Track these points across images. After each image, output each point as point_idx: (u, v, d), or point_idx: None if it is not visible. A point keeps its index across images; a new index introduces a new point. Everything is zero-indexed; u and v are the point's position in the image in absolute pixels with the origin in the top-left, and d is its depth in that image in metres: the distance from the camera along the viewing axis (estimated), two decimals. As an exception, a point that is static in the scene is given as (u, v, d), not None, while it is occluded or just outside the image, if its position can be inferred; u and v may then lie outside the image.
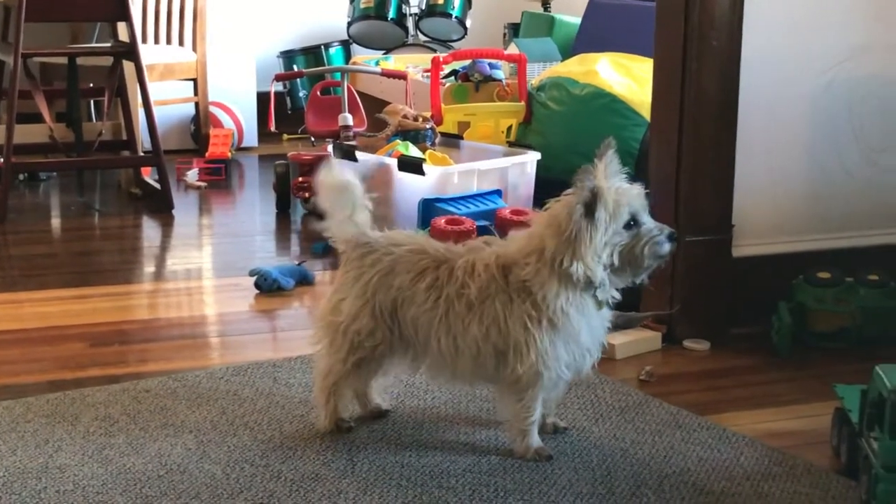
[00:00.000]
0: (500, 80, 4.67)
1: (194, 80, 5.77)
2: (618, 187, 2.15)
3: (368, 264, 2.29)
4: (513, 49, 5.08)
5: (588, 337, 2.21)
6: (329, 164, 2.36)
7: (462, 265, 2.22)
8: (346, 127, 4.43)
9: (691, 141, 3.00)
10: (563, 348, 2.18)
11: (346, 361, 2.30)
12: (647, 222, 2.17)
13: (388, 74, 4.81)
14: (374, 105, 4.95)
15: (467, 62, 4.76)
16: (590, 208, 2.11)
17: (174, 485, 2.16)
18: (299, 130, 5.73)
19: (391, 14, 6.40)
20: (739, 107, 3.01)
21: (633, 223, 2.15)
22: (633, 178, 2.23)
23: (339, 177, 2.32)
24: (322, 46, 6.45)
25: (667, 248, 2.17)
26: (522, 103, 4.51)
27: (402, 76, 4.71)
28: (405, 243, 2.31)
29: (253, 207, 5.07)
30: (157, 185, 4.76)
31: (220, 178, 5.37)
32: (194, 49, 5.75)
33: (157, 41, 5.78)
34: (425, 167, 3.73)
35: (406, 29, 6.48)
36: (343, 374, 2.32)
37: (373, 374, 2.40)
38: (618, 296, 2.23)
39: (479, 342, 2.19)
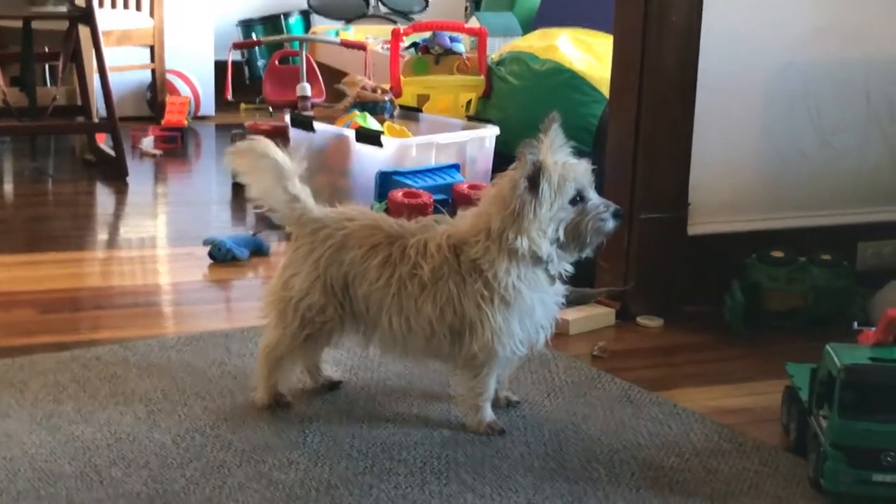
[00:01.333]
0: (461, 54, 4.65)
1: (151, 46, 5.72)
2: (564, 162, 2.14)
3: (320, 239, 2.27)
4: (474, 22, 5.07)
5: (542, 312, 2.21)
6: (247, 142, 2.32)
7: (414, 244, 2.21)
8: (305, 97, 4.40)
9: (649, 118, 3.01)
10: (518, 325, 2.18)
11: (297, 337, 2.28)
12: (593, 198, 2.16)
13: (347, 45, 4.78)
14: (333, 76, 4.92)
15: (428, 34, 4.73)
16: (533, 182, 2.10)
17: (123, 453, 2.14)
18: (257, 100, 5.68)
19: (352, -16, 6.36)
20: (698, 85, 3.02)
21: (578, 199, 2.15)
22: (589, 154, 2.22)
23: (259, 147, 2.28)
24: (281, 15, 6.41)
25: (611, 225, 2.17)
26: (482, 77, 4.49)
27: (361, 47, 4.68)
28: (357, 218, 2.29)
29: (209, 177, 5.03)
30: (112, 152, 4.71)
31: (176, 146, 5.32)
32: (152, 15, 5.69)
33: (113, 6, 5.71)
34: (383, 139, 3.71)
35: (367, 0, 6.44)
36: (291, 348, 2.30)
37: (320, 350, 2.39)
38: (570, 269, 2.23)
39: (434, 323, 2.18)
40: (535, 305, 2.19)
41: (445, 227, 2.24)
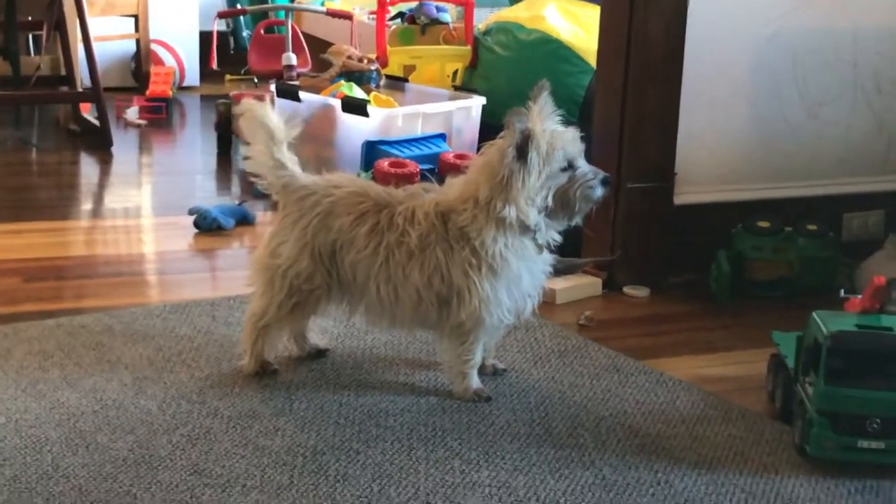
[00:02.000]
0: (447, 24, 4.64)
1: (136, 16, 5.68)
2: (552, 130, 2.14)
3: (308, 207, 2.26)
4: (460, -7, 5.05)
5: (529, 281, 2.21)
6: (248, 102, 2.33)
7: (402, 212, 2.20)
8: (290, 67, 4.38)
9: (636, 89, 3.00)
10: (505, 293, 2.18)
11: (284, 305, 2.28)
12: (582, 166, 2.16)
13: (333, 14, 4.75)
14: (319, 45, 4.90)
15: (414, 4, 4.72)
16: (522, 151, 2.10)
17: (109, 420, 2.13)
18: (242, 70, 5.66)
19: (338, -45, 6.32)
20: (685, 56, 3.01)
21: (567, 166, 2.14)
22: (576, 124, 2.22)
23: (256, 110, 2.28)
24: (267, -15, 6.36)
25: (599, 192, 2.16)
26: (468, 47, 4.48)
27: (347, 17, 4.66)
28: (345, 185, 2.28)
29: (194, 147, 5.01)
30: (96, 122, 4.68)
31: (161, 116, 5.30)
32: (136, -16, 5.65)
33: (97, -25, 5.67)
34: (369, 109, 3.70)
35: (353, -30, 6.41)
36: (278, 317, 2.30)
37: (307, 318, 2.39)
38: (558, 239, 2.23)
39: (421, 290, 2.18)
40: (522, 274, 2.19)
41: (434, 195, 2.24)
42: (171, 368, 2.38)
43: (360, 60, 4.11)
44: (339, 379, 2.36)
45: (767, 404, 2.32)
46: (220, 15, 4.75)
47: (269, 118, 2.26)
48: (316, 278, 2.26)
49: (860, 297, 2.15)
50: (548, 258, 2.25)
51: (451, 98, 4.02)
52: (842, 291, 2.27)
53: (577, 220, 2.21)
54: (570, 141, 2.15)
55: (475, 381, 2.28)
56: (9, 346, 2.47)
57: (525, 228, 2.15)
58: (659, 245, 3.05)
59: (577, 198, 2.14)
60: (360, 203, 2.24)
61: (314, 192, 2.27)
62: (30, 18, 5.04)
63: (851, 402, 1.98)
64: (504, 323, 2.24)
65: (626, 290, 3.00)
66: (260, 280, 2.32)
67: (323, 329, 2.54)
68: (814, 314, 2.08)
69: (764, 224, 2.99)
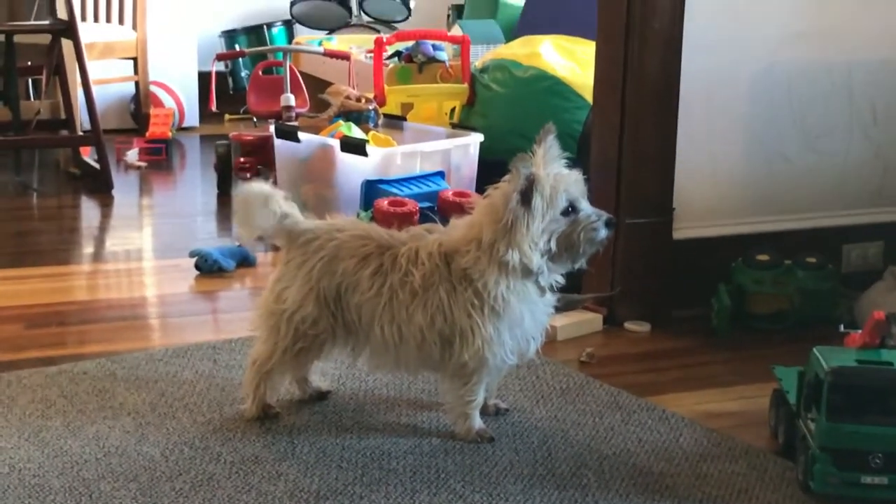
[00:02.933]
0: (444, 62, 4.66)
1: (134, 59, 5.71)
2: (556, 173, 2.14)
3: (312, 251, 2.27)
4: (456, 30, 5.08)
5: (531, 323, 2.21)
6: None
7: (405, 253, 2.21)
8: (289, 107, 4.40)
9: (633, 124, 3.01)
10: (508, 334, 2.18)
11: (289, 351, 2.28)
12: (585, 208, 2.17)
13: (330, 55, 4.78)
14: (317, 86, 4.92)
15: (411, 43, 4.74)
16: (526, 196, 2.10)
17: (112, 467, 2.13)
18: (241, 111, 5.69)
19: (335, -6, 6.36)
20: (681, 90, 3.03)
21: (570, 209, 2.15)
22: (575, 161, 2.23)
23: (254, 191, 2.30)
24: (264, 26, 6.41)
25: (603, 234, 2.16)
26: (465, 85, 4.50)
27: (345, 57, 4.68)
28: (348, 228, 2.29)
29: (194, 188, 5.02)
30: (97, 165, 4.70)
31: (161, 158, 5.32)
32: (135, 27, 5.68)
33: (96, 19, 5.70)
34: (368, 148, 3.71)
35: (349, 9, 6.45)
36: (282, 361, 2.30)
37: (311, 363, 2.39)
38: (561, 281, 2.23)
39: (424, 330, 2.18)
40: (524, 316, 2.19)
41: (437, 236, 2.24)
42: (173, 414, 2.38)
43: (358, 100, 4.13)
44: (342, 421, 2.36)
45: (770, 440, 2.31)
46: (220, 57, 4.77)
47: (274, 200, 2.28)
48: (321, 323, 2.26)
49: (860, 331, 2.16)
50: (550, 300, 2.25)
51: (449, 136, 4.03)
52: (842, 326, 2.27)
53: (582, 263, 2.22)
54: (572, 183, 2.15)
55: (478, 422, 2.28)
56: (11, 394, 2.47)
57: (528, 272, 2.15)
58: (659, 280, 3.05)
59: (581, 241, 2.15)
60: (364, 246, 2.25)
61: (318, 237, 2.28)
62: (29, 63, 5.07)
63: (853, 438, 1.98)
64: (507, 364, 2.24)
65: (626, 325, 3.01)
66: (264, 325, 2.32)
67: (324, 371, 2.54)
68: (814, 350, 2.08)
69: (763, 257, 3.00)
